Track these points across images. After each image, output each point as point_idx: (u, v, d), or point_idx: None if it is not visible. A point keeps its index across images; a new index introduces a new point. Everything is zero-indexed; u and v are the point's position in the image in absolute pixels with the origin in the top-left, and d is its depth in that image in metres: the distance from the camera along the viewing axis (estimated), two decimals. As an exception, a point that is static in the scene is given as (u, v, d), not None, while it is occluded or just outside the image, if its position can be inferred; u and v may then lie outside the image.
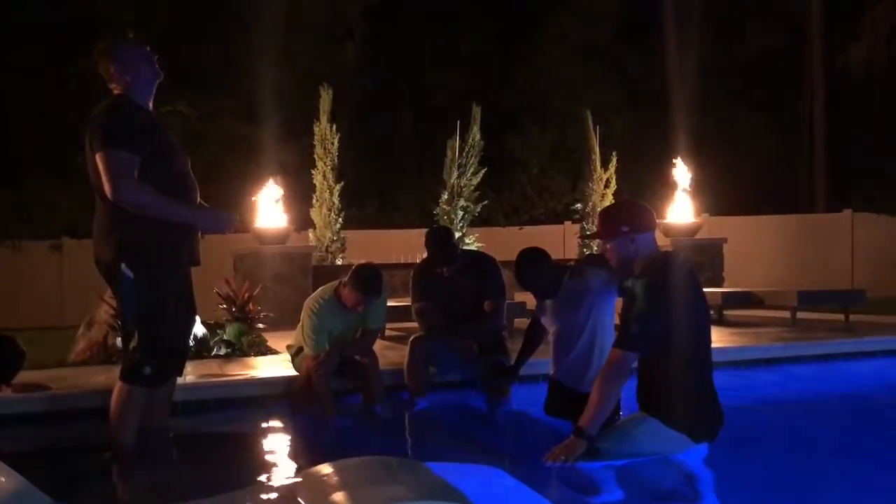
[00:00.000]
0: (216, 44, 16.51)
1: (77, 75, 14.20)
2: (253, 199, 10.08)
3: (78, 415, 4.49)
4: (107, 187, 3.58)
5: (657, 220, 3.92)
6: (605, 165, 12.41)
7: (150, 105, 3.89)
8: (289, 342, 5.27)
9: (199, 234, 3.95)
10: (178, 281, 3.87)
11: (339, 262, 10.86)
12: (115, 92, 3.80)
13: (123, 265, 3.65)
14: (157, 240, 3.70)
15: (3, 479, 2.24)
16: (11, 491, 2.21)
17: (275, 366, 5.68)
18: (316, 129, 11.20)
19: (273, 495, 3.03)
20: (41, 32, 16.39)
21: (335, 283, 4.91)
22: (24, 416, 4.43)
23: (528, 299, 5.43)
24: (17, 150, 16.05)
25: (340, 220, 11.20)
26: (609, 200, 11.92)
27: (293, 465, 3.75)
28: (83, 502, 3.23)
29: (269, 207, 10.04)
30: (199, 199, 3.96)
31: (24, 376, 4.75)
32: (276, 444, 4.37)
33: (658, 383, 3.46)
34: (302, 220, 11.66)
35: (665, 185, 11.67)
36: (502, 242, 11.23)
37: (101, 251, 3.75)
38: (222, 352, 6.23)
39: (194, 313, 4.19)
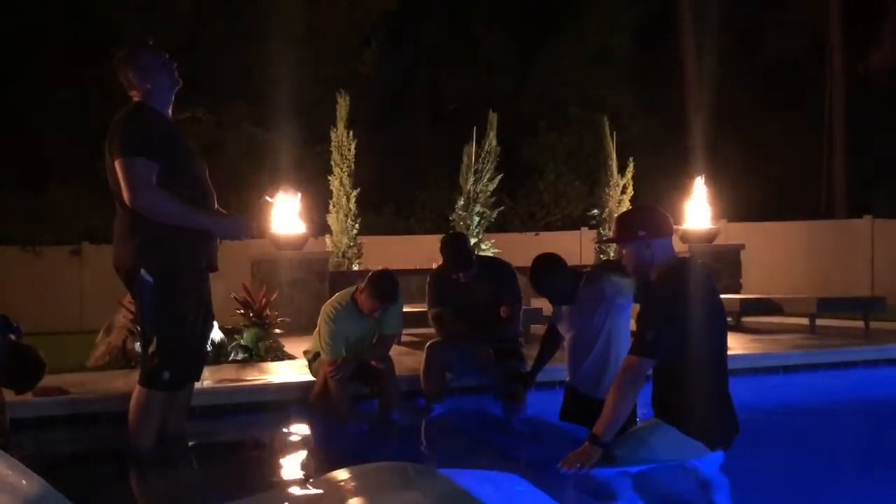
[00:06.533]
0: (234, 50, 16.64)
1: (97, 83, 14.36)
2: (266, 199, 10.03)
3: (96, 419, 4.52)
4: (125, 194, 3.62)
5: (674, 226, 3.91)
6: (622, 171, 12.39)
7: (170, 112, 3.92)
8: (306, 347, 5.29)
9: (218, 241, 3.98)
10: (197, 286, 3.89)
11: (355, 267, 10.90)
12: (135, 99, 3.84)
13: (143, 270, 3.69)
14: (176, 246, 3.73)
15: (24, 483, 2.25)
16: (34, 494, 2.23)
17: (291, 371, 5.70)
18: (333, 136, 11.25)
19: (289, 501, 3.04)
20: (62, 41, 16.58)
21: (352, 288, 4.92)
22: (43, 420, 4.47)
23: (545, 305, 5.42)
24: (37, 156, 16.21)
25: (357, 225, 11.25)
26: (626, 206, 11.89)
27: (309, 471, 3.76)
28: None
29: (285, 213, 10.08)
30: (216, 205, 3.99)
31: (42, 380, 4.78)
32: (293, 450, 4.38)
33: (674, 390, 3.45)
34: (319, 226, 11.71)
35: (682, 192, 11.62)
36: (518, 248, 11.21)
37: (120, 257, 3.79)
38: (239, 357, 6.26)
39: (213, 319, 4.22)
